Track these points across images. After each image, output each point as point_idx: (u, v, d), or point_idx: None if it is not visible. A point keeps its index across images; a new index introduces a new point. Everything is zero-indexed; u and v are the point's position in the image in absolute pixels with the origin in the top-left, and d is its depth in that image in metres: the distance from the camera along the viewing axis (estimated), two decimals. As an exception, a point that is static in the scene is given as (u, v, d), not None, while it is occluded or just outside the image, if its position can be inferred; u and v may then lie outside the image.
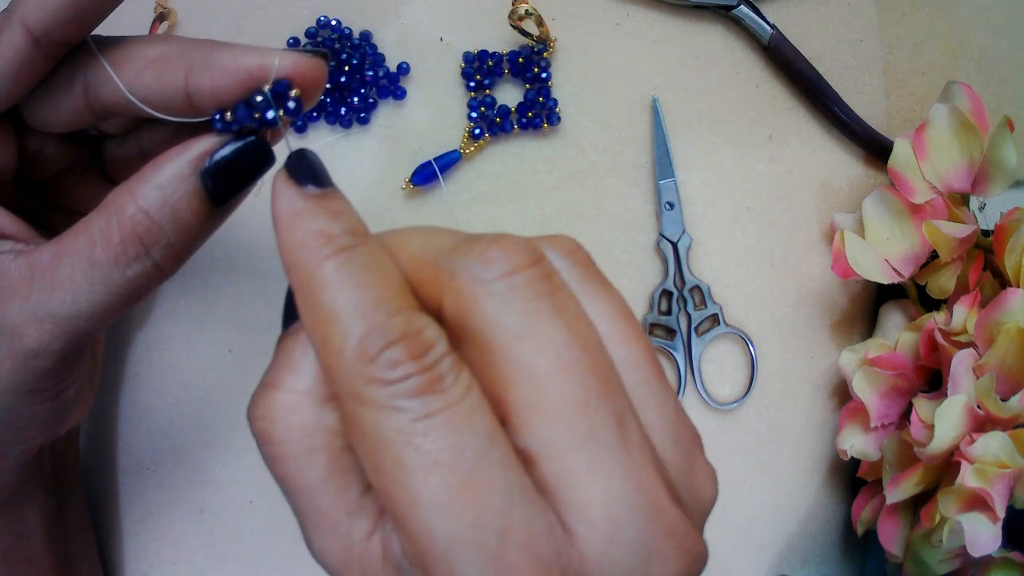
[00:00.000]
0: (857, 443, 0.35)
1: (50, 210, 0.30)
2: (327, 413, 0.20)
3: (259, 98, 0.24)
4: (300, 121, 0.38)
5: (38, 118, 0.26)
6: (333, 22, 0.39)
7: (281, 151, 0.24)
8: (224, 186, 0.24)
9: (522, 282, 0.19)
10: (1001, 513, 0.30)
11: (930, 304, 0.36)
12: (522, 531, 0.17)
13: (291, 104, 0.24)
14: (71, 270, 0.24)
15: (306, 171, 0.21)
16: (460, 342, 0.19)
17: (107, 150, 0.30)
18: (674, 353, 0.39)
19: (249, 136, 0.24)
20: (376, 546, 0.19)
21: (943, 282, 0.35)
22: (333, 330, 0.18)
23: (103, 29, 0.26)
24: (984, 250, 0.35)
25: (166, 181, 0.23)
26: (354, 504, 0.19)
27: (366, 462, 0.19)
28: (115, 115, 0.26)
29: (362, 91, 0.38)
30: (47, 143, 0.28)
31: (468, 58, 0.39)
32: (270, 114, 0.24)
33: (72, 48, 0.25)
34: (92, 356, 0.31)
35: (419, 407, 0.18)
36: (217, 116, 0.24)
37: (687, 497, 0.20)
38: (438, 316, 0.20)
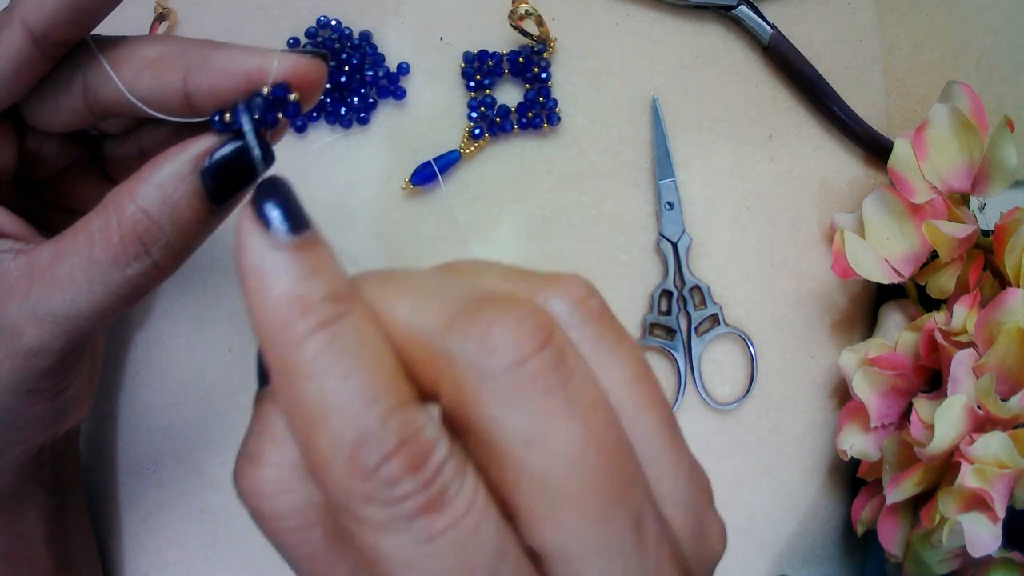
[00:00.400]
0: (857, 443, 0.35)
1: (50, 209, 0.30)
2: (317, 488, 0.18)
3: (258, 100, 0.24)
4: (300, 121, 0.38)
5: (38, 118, 0.26)
6: (333, 22, 0.39)
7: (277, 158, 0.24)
8: (224, 185, 0.24)
9: (530, 376, 0.16)
10: (1001, 513, 0.30)
11: (930, 304, 0.36)
12: None
13: (290, 106, 0.24)
14: (71, 269, 0.24)
15: (277, 209, 0.17)
16: (460, 432, 0.17)
17: (107, 150, 0.30)
18: (674, 353, 0.39)
19: (248, 136, 0.24)
20: None
21: (943, 282, 0.35)
22: (320, 432, 0.16)
23: (103, 29, 0.26)
24: (984, 250, 0.35)
25: (165, 180, 0.23)
26: (355, 570, 0.18)
27: (365, 574, 0.17)
28: (114, 115, 0.26)
29: (362, 91, 0.38)
30: (47, 143, 0.28)
31: (468, 58, 0.39)
32: (269, 116, 0.24)
33: (71, 48, 0.25)
34: (91, 356, 0.31)
35: (422, 527, 0.16)
36: (216, 117, 0.24)
37: (696, 559, 0.19)
38: (434, 397, 0.18)
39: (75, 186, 0.30)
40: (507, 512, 0.17)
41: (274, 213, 0.17)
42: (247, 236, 0.17)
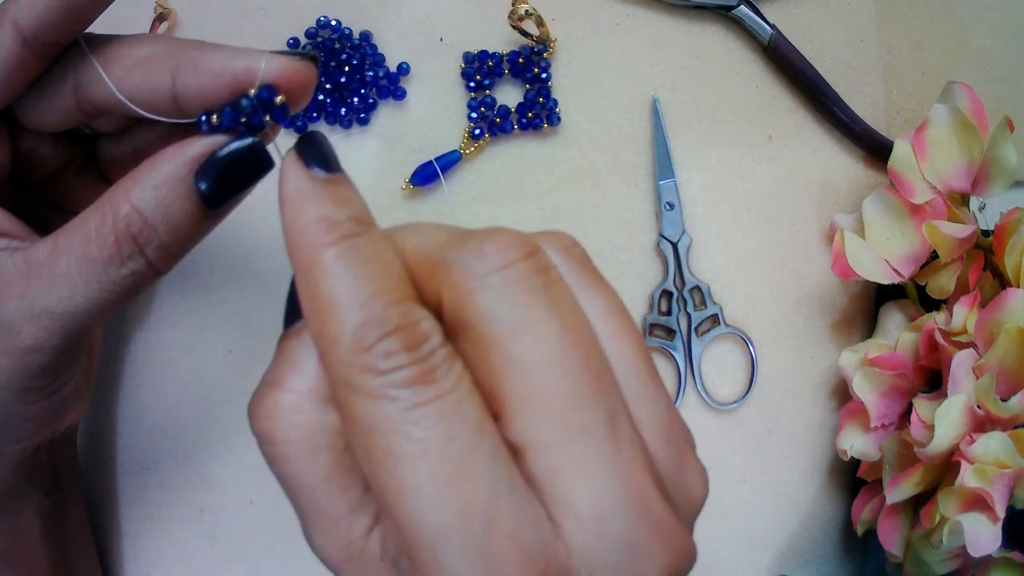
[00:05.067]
0: (857, 443, 0.35)
1: (46, 209, 0.30)
2: (330, 413, 0.20)
3: (244, 102, 0.23)
4: (300, 121, 0.38)
5: (31, 118, 0.27)
6: (333, 22, 0.39)
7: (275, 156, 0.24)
8: (218, 190, 0.24)
9: (517, 275, 0.19)
10: (1001, 513, 0.30)
11: (930, 304, 0.36)
12: (508, 522, 0.18)
13: (277, 109, 0.24)
14: (67, 267, 0.24)
15: (316, 154, 0.21)
16: (457, 336, 0.19)
17: (102, 149, 0.30)
18: (674, 353, 0.39)
19: (246, 140, 0.24)
20: (375, 542, 0.19)
21: (943, 282, 0.35)
22: (330, 318, 0.19)
23: (103, 29, 0.26)
24: (984, 250, 0.35)
25: (161, 182, 0.23)
26: (356, 502, 0.19)
27: (358, 450, 0.19)
28: (105, 114, 0.27)
29: (362, 91, 0.38)
30: (41, 143, 0.28)
31: (468, 58, 0.39)
32: (255, 119, 0.23)
33: (64, 48, 0.25)
34: (88, 354, 0.31)
35: (410, 396, 0.18)
36: (203, 118, 0.24)
37: (676, 495, 0.20)
38: (438, 310, 0.20)
39: (71, 186, 0.30)
40: (491, 411, 0.19)
41: (313, 154, 0.21)
42: (290, 169, 0.20)
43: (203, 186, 0.24)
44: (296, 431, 0.19)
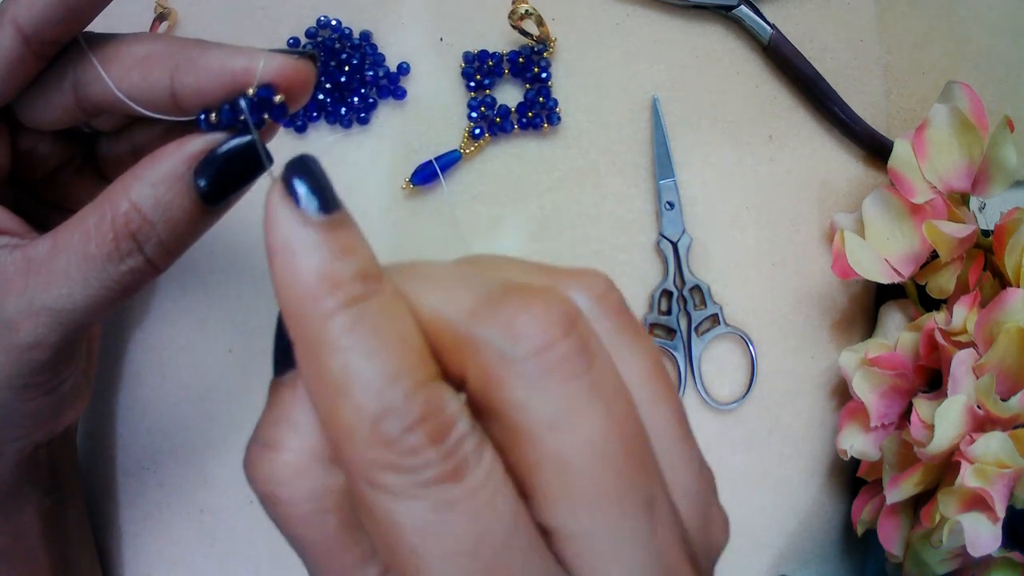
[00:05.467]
0: (857, 443, 0.35)
1: (46, 208, 0.30)
2: (334, 475, 0.18)
3: (243, 101, 0.23)
4: (300, 121, 0.38)
5: (30, 116, 0.27)
6: (333, 22, 0.39)
7: (278, 157, 0.24)
8: (217, 187, 0.24)
9: (556, 361, 0.17)
10: (1001, 513, 0.30)
11: (930, 304, 0.36)
12: None
13: (275, 108, 0.24)
14: (67, 264, 0.24)
15: (308, 186, 0.17)
16: (484, 417, 0.18)
17: (101, 148, 0.30)
18: (674, 353, 0.39)
19: (245, 137, 0.24)
20: None
21: (943, 282, 0.35)
22: (344, 405, 0.16)
23: (104, 28, 0.26)
24: (984, 250, 0.35)
25: (160, 180, 0.23)
26: (366, 553, 0.18)
27: (379, 544, 0.17)
28: (105, 112, 0.27)
29: (362, 91, 0.38)
30: (41, 141, 0.28)
31: (468, 58, 0.39)
32: (254, 117, 0.23)
33: (63, 47, 0.25)
34: (88, 352, 0.31)
35: (440, 496, 0.16)
36: (202, 116, 0.24)
37: (700, 547, 0.19)
38: (460, 383, 0.18)
39: (70, 185, 0.30)
40: (522, 492, 0.17)
41: (304, 189, 0.17)
42: (277, 210, 0.17)
43: (202, 183, 0.24)
44: (301, 495, 0.18)
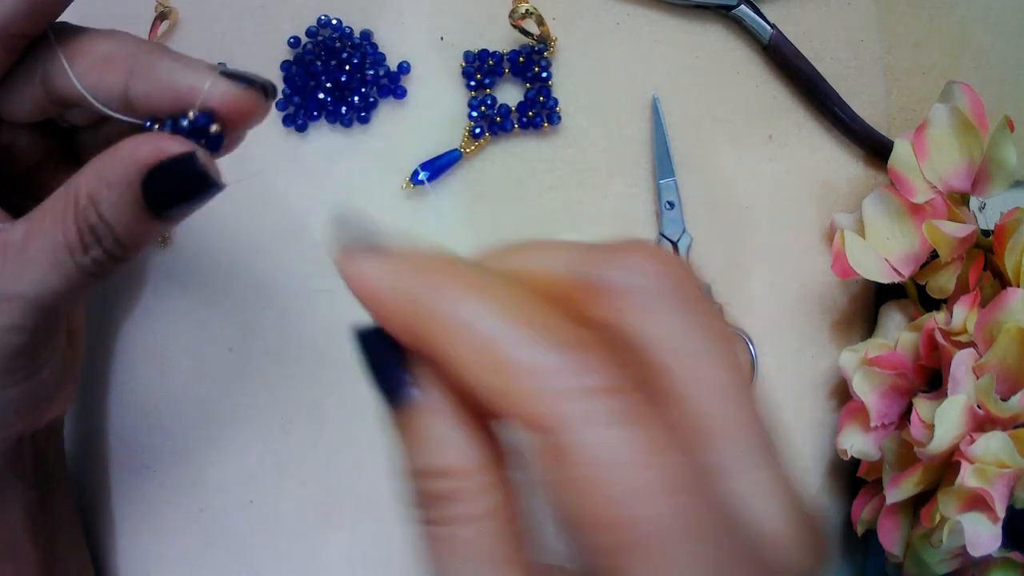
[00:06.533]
0: (857, 443, 0.35)
1: (27, 202, 0.30)
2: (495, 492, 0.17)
3: (184, 123, 0.23)
4: (301, 120, 0.38)
5: (5, 108, 0.27)
6: (334, 21, 0.39)
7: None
8: (162, 201, 0.24)
9: (687, 292, 0.18)
10: (1001, 513, 0.30)
11: (930, 304, 0.36)
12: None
13: (210, 138, 0.23)
14: (38, 251, 0.24)
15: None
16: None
17: (80, 141, 0.30)
18: (674, 353, 0.38)
19: (189, 160, 0.23)
20: None
21: (943, 282, 0.35)
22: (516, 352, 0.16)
23: (104, 25, 0.26)
24: (984, 250, 0.35)
25: (114, 181, 0.24)
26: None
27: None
28: (74, 105, 0.27)
29: (363, 90, 0.38)
30: (19, 135, 0.28)
31: (469, 57, 0.39)
32: (193, 141, 0.23)
33: (34, 41, 0.25)
34: (71, 342, 0.31)
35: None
36: (147, 124, 0.24)
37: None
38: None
39: (52, 179, 0.30)
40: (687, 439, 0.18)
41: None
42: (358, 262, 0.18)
43: (148, 194, 0.24)
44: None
